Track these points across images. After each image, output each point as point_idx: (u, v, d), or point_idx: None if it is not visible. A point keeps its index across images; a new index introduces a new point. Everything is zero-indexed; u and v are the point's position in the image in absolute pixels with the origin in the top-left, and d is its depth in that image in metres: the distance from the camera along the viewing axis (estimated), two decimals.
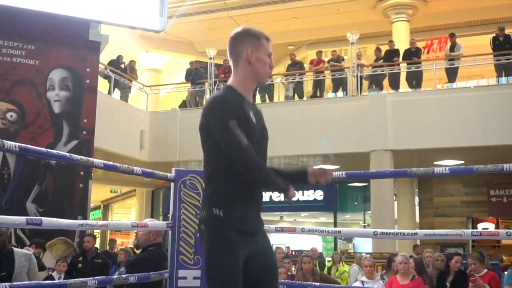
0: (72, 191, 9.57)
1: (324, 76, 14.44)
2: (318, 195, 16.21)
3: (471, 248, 13.81)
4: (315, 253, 11.48)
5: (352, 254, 13.50)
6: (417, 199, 15.76)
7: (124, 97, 14.56)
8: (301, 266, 7.34)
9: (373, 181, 12.49)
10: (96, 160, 3.72)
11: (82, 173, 9.63)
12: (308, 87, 15.12)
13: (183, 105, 15.29)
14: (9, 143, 2.96)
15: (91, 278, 3.60)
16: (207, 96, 14.60)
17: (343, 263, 10.11)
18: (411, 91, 13.12)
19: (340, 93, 14.01)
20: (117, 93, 14.41)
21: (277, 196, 16.32)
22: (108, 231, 18.69)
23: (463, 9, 15.92)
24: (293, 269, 8.75)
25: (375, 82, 13.62)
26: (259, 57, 2.54)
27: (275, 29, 16.22)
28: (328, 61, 14.41)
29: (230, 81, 2.56)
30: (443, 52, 14.53)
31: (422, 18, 16.46)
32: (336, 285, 6.52)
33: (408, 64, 13.39)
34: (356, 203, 17.05)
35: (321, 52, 14.75)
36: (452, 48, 13.11)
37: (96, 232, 14.17)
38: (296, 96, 14.36)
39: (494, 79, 12.96)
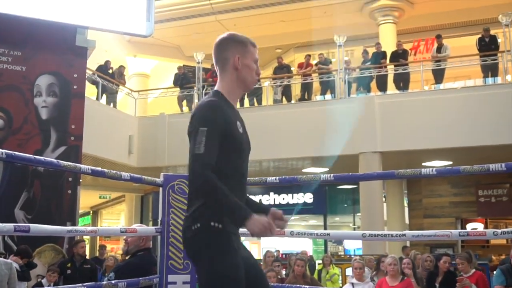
0: (60, 197, 9.48)
1: (312, 79, 14.48)
2: (308, 198, 16.23)
3: (460, 248, 13.87)
4: (306, 256, 11.47)
5: (342, 256, 13.52)
6: (406, 200, 15.83)
7: (112, 102, 14.51)
8: (293, 268, 7.34)
9: (362, 183, 12.52)
10: (83, 166, 3.70)
11: (70, 179, 9.55)
12: (296, 90, 15.14)
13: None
14: None
15: (80, 284, 3.59)
16: (195, 100, 14.59)
17: (333, 265, 10.12)
18: (398, 93, 13.18)
19: (328, 96, 14.06)
20: (105, 99, 14.36)
21: (267, 200, 16.35)
22: (98, 237, 18.62)
23: (449, 11, 16.04)
24: (283, 272, 8.73)
25: (363, 84, 13.67)
26: (246, 63, 2.52)
27: (262, 32, 16.27)
28: (316, 64, 14.45)
29: (217, 87, 2.53)
30: (430, 53, 14.61)
31: (408, 20, 16.58)
32: None
33: (395, 66, 13.47)
34: (345, 205, 17.09)
35: (309, 55, 14.79)
36: (438, 50, 13.19)
37: (86, 238, 14.11)
38: (284, 99, 14.39)
39: (481, 80, 13.07)
